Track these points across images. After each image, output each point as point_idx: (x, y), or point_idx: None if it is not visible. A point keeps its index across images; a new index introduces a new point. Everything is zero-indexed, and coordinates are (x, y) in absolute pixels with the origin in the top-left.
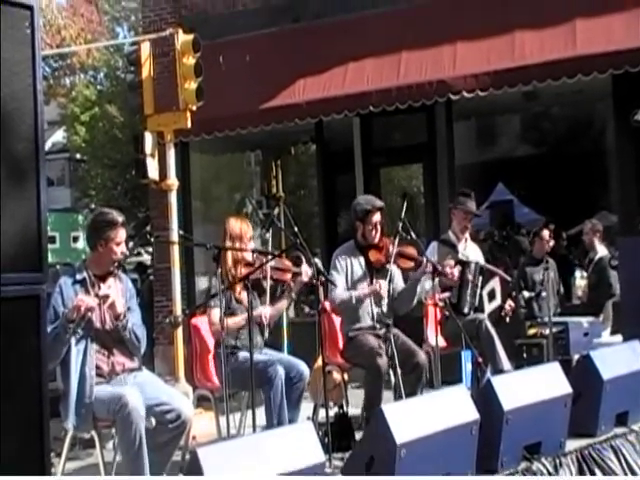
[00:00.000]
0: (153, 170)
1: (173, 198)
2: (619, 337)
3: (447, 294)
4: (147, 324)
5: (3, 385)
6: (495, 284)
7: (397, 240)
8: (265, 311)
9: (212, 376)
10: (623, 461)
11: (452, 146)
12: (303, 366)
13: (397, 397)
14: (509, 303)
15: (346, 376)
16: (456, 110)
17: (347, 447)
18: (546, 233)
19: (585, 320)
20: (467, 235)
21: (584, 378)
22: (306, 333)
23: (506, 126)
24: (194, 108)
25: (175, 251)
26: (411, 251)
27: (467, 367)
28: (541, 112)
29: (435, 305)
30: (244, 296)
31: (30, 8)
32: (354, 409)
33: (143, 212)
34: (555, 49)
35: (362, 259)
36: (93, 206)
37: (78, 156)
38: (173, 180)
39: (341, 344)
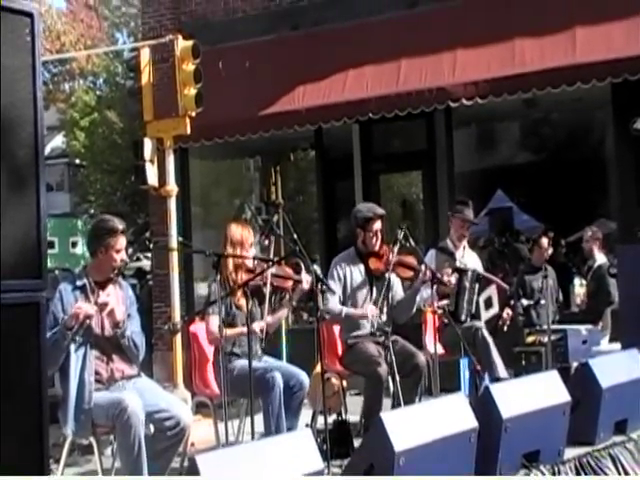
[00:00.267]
0: (152, 176)
1: (172, 204)
2: (618, 345)
3: (446, 302)
4: (146, 330)
5: (3, 390)
6: (492, 292)
7: (397, 248)
8: (262, 325)
9: (211, 383)
10: (621, 469)
11: (451, 153)
12: (303, 375)
13: (396, 405)
14: (507, 312)
15: (345, 383)
16: (455, 117)
17: (346, 454)
18: (545, 241)
19: (584, 328)
20: (465, 243)
21: (583, 386)
22: (305, 340)
23: (505, 133)
24: (193, 114)
25: (174, 257)
26: (410, 260)
27: (466, 375)
28: (541, 119)
29: (434, 312)
30: (244, 302)
31: (30, 15)
32: (353, 416)
33: (142, 218)
34: (555, 57)
35: (362, 267)
36: (92, 211)
37: (77, 161)
38: (172, 186)
39: (340, 351)
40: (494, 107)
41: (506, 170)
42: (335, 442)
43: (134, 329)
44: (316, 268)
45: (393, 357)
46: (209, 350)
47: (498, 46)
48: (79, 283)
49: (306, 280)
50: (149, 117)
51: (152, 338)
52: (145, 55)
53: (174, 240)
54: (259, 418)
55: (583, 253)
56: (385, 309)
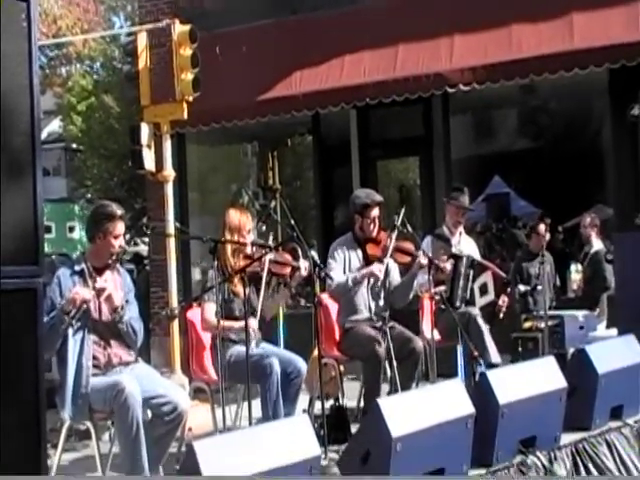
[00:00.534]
0: (149, 161)
1: (169, 189)
2: (614, 330)
3: (442, 287)
4: (143, 315)
5: (0, 376)
6: (487, 278)
7: (394, 234)
8: (253, 325)
9: (208, 369)
10: (616, 455)
11: (449, 139)
12: (301, 362)
13: (393, 390)
14: (503, 299)
15: (342, 368)
16: (453, 103)
17: (343, 439)
18: (542, 227)
19: (580, 314)
20: (461, 229)
21: (579, 372)
22: (302, 325)
23: (503, 120)
24: (191, 99)
25: (171, 243)
26: (408, 246)
27: (462, 361)
28: (538, 106)
29: (431, 298)
30: (241, 289)
31: (27, 0)
32: (350, 401)
33: (139, 203)
34: (552, 42)
35: (360, 252)
36: (89, 196)
37: (74, 146)
38: (169, 171)
39: (337, 336)
40: (492, 93)
41: (504, 156)
42: (332, 427)
43: (132, 315)
44: (314, 254)
45: (390, 342)
46: (206, 336)
47: (495, 31)
48: (77, 268)
49: (304, 267)
50: (146, 102)
51: (149, 323)
52: (142, 40)
53: (171, 226)
54: (257, 403)
55: (580, 239)
56: (382, 294)
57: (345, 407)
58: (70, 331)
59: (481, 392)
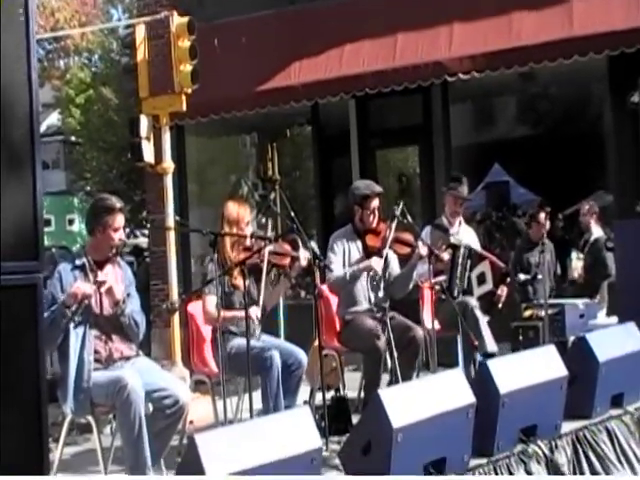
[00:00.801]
0: (148, 153)
1: (169, 181)
2: (614, 318)
3: (442, 277)
4: (144, 307)
5: (1, 373)
6: (485, 268)
7: (394, 225)
8: (256, 313)
9: (209, 362)
10: (617, 444)
11: (448, 128)
12: (302, 354)
13: (394, 381)
14: (502, 289)
15: (342, 359)
16: (452, 91)
17: (344, 430)
18: (542, 216)
19: (581, 302)
20: (460, 219)
21: (580, 360)
22: (302, 316)
23: (503, 107)
24: (189, 91)
25: (171, 235)
26: (407, 237)
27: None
28: (538, 93)
29: (431, 288)
30: (240, 282)
31: None
32: (351, 392)
33: (139, 195)
34: (552, 30)
35: (359, 243)
36: (88, 189)
37: (73, 139)
38: (169, 163)
39: (338, 328)
40: (491, 81)
41: (503, 144)
42: (333, 418)
43: (134, 308)
44: (313, 245)
45: (391, 333)
46: (207, 329)
47: (495, 20)
48: (78, 262)
49: (304, 257)
50: (145, 94)
51: (150, 315)
52: (140, 32)
53: (171, 219)
54: (257, 395)
55: (580, 226)
56: (382, 285)
57: (346, 398)
58: (71, 325)
59: (482, 381)
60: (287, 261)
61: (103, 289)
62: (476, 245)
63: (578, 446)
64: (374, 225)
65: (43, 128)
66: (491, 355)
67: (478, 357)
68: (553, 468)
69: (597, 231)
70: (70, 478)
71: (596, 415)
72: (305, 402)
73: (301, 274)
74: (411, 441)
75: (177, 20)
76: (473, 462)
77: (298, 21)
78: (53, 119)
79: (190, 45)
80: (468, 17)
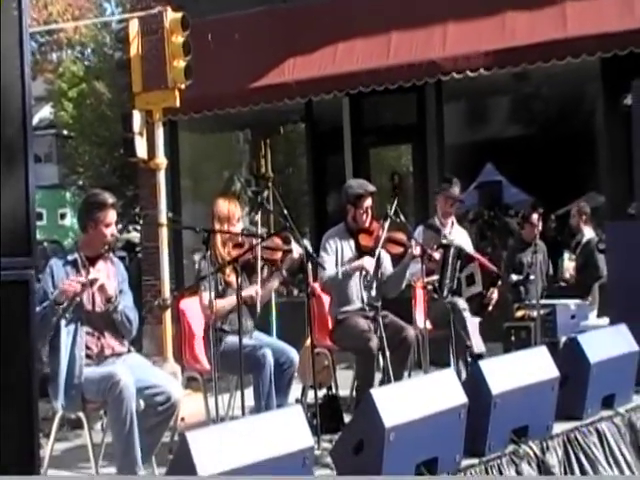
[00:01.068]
0: (141, 149)
1: (162, 177)
2: (606, 320)
3: (435, 277)
4: (136, 303)
5: None
6: (474, 269)
7: (387, 224)
8: (257, 289)
9: (201, 359)
10: (606, 446)
11: (442, 126)
12: (293, 353)
13: (386, 380)
14: (492, 291)
15: (334, 357)
16: (446, 90)
17: (336, 429)
18: (535, 217)
19: (572, 302)
20: (452, 219)
21: (571, 361)
22: (295, 313)
23: (496, 107)
24: (183, 87)
25: (163, 231)
26: (400, 236)
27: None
28: (531, 93)
29: (424, 288)
30: (233, 279)
31: None
32: (342, 390)
33: (131, 190)
34: (545, 31)
35: (352, 242)
36: (81, 183)
37: (65, 132)
38: (162, 159)
39: (330, 326)
40: (484, 81)
41: (496, 143)
42: (325, 417)
43: (127, 304)
44: (306, 243)
45: (383, 332)
46: (199, 326)
47: (489, 19)
48: (70, 258)
49: (296, 249)
50: (138, 89)
51: (142, 311)
52: (134, 27)
53: (163, 215)
54: (249, 392)
55: (571, 228)
56: (374, 285)
57: (338, 396)
58: (63, 322)
59: (474, 382)
60: (279, 255)
61: (95, 287)
62: (468, 246)
63: (569, 447)
64: (367, 224)
65: (35, 121)
66: (479, 356)
67: (468, 357)
68: (544, 469)
69: (589, 232)
70: (61, 475)
71: (587, 416)
72: (297, 400)
73: (294, 271)
74: (403, 441)
75: (171, 15)
76: (465, 462)
77: (292, 18)
78: (45, 112)
79: (184, 41)
80: (462, 17)
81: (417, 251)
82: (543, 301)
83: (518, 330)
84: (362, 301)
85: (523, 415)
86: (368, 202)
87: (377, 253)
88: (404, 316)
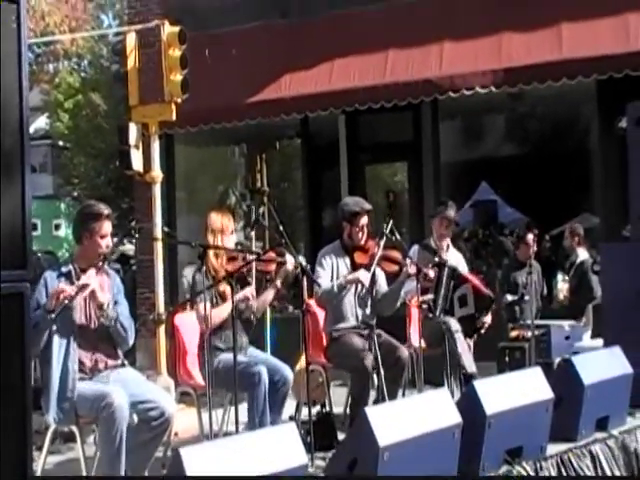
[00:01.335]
0: (137, 162)
1: (157, 190)
2: (600, 341)
3: (430, 296)
4: (132, 316)
5: None
6: (467, 291)
7: (382, 242)
8: (251, 291)
9: (195, 375)
10: (599, 468)
11: (437, 144)
12: (287, 371)
13: (380, 399)
14: (485, 315)
15: (329, 374)
16: (442, 109)
17: (329, 446)
18: (530, 237)
19: (567, 323)
20: (448, 242)
21: (565, 383)
22: (290, 329)
23: (491, 126)
24: (179, 100)
25: (158, 244)
26: (395, 254)
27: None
28: (527, 113)
29: (419, 307)
30: (228, 293)
31: (17, 2)
32: (336, 407)
33: (127, 203)
34: (541, 52)
35: (348, 260)
36: (76, 194)
37: (61, 143)
38: (157, 172)
39: (325, 343)
40: (480, 100)
41: (491, 162)
42: (319, 434)
43: (123, 313)
44: (302, 260)
45: (378, 350)
46: (193, 343)
47: (485, 39)
48: (64, 270)
49: (290, 261)
50: (134, 102)
51: (136, 324)
52: (131, 40)
53: (159, 230)
54: (243, 407)
55: (565, 248)
56: (369, 302)
57: (332, 413)
58: (55, 335)
59: (468, 402)
60: (273, 267)
61: (86, 292)
62: (462, 268)
63: (562, 469)
64: (363, 242)
65: (31, 131)
66: (471, 376)
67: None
68: None
69: (583, 253)
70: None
71: (581, 438)
72: (291, 417)
73: (289, 285)
74: (397, 460)
75: (168, 29)
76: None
77: (289, 34)
78: (41, 123)
79: (181, 54)
80: (459, 36)
81: (412, 270)
82: (537, 322)
83: (512, 350)
84: (357, 319)
85: (517, 436)
86: (364, 220)
87: (372, 270)
88: (398, 334)
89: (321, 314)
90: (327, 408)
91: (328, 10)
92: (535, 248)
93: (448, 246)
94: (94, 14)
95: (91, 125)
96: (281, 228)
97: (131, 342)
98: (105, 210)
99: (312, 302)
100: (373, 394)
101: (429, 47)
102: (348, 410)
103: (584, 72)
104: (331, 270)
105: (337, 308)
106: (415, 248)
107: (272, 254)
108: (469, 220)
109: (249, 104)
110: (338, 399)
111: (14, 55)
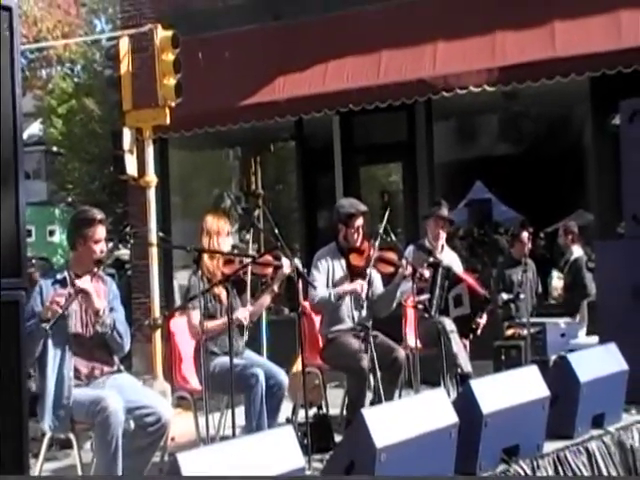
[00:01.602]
0: (131, 166)
1: (152, 195)
2: (595, 338)
3: (425, 296)
4: (126, 321)
5: None
6: (462, 291)
7: (377, 243)
8: (245, 314)
9: (190, 380)
10: (595, 468)
11: (432, 144)
12: (283, 375)
13: (377, 401)
14: (480, 316)
15: (325, 376)
16: (436, 109)
17: (326, 448)
18: (525, 235)
19: (562, 321)
20: (443, 242)
21: (561, 380)
22: (285, 332)
23: (485, 125)
24: (173, 104)
25: (153, 249)
26: (391, 256)
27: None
28: (520, 112)
29: (415, 307)
30: (224, 296)
31: (9, 9)
32: (333, 409)
33: (121, 207)
34: (534, 50)
35: (343, 262)
36: (70, 200)
37: (55, 149)
38: (152, 177)
39: (321, 345)
40: (474, 99)
41: (486, 161)
42: (316, 436)
43: (119, 318)
44: (297, 262)
45: (374, 352)
46: (188, 347)
47: (479, 39)
48: (59, 277)
49: (287, 265)
50: (128, 107)
51: (131, 329)
52: (124, 44)
53: (153, 235)
54: (240, 411)
55: (559, 246)
56: (365, 304)
57: (328, 415)
58: (50, 342)
59: (464, 401)
60: (269, 270)
61: (80, 297)
62: (457, 268)
63: (559, 467)
64: (358, 244)
65: (24, 137)
66: (466, 376)
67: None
68: None
69: (577, 251)
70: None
71: (577, 435)
72: (287, 420)
73: (285, 289)
74: (394, 461)
75: (161, 33)
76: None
77: (283, 36)
78: (34, 129)
79: (174, 58)
80: (452, 36)
81: (408, 271)
82: (533, 319)
83: (508, 349)
84: (353, 320)
85: (514, 434)
86: (359, 222)
87: (368, 273)
88: (394, 335)
89: (317, 316)
90: (324, 410)
91: (321, 12)
92: (530, 246)
93: (443, 246)
94: (87, 19)
95: (85, 130)
96: (276, 231)
97: (127, 348)
98: (98, 215)
99: (307, 304)
100: (370, 395)
101: (422, 47)
102: (345, 412)
103: (577, 70)
104: (327, 273)
105: (333, 310)
106: (410, 248)
107: (269, 257)
108: (464, 219)
109: (243, 107)
110: (334, 401)
111: (7, 62)
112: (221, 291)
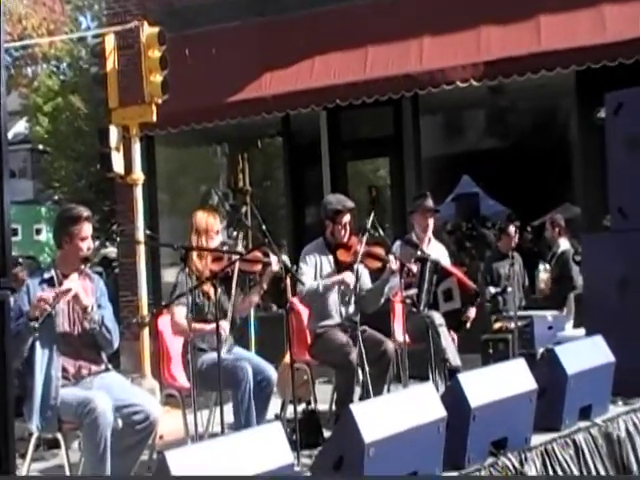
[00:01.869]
0: (118, 164)
1: (139, 192)
2: (582, 330)
3: (413, 291)
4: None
5: None
6: (452, 284)
7: (365, 238)
8: (224, 325)
9: (178, 377)
10: (582, 461)
11: (419, 139)
12: (271, 371)
13: (365, 395)
14: (470, 311)
15: (313, 371)
16: (423, 103)
17: (315, 444)
18: (512, 229)
19: (549, 314)
20: (430, 235)
21: (549, 373)
22: (274, 328)
23: (472, 120)
24: (159, 101)
25: (141, 246)
26: (379, 251)
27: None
28: (507, 106)
29: (403, 302)
30: (212, 292)
31: None
32: (322, 405)
33: (108, 205)
34: (519, 45)
35: (331, 257)
36: (56, 198)
37: (41, 147)
38: (139, 174)
39: (309, 341)
40: (460, 94)
41: (473, 155)
42: (305, 432)
43: (107, 316)
44: (285, 259)
45: (362, 347)
46: (176, 345)
47: (464, 33)
48: (46, 276)
49: (275, 261)
50: (114, 104)
51: (120, 327)
52: (110, 41)
53: (141, 232)
54: (228, 408)
55: (546, 239)
56: (353, 299)
57: (317, 411)
58: (38, 342)
59: (452, 395)
60: (258, 268)
61: (69, 295)
62: (445, 261)
63: (547, 459)
64: (345, 239)
65: (10, 136)
66: (455, 370)
67: (446, 371)
68: None
69: (564, 244)
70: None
71: (565, 427)
72: (276, 416)
73: (273, 285)
74: (383, 456)
75: (147, 30)
76: (445, 476)
77: (269, 32)
78: (20, 127)
79: (160, 55)
80: (438, 31)
81: (396, 266)
82: (520, 313)
83: (496, 342)
84: (341, 316)
85: (502, 427)
86: (347, 218)
87: (356, 268)
88: (383, 330)
89: (305, 312)
90: (312, 406)
91: (306, 7)
92: (517, 239)
93: (430, 240)
94: (72, 16)
95: (71, 128)
96: (264, 227)
97: (116, 345)
98: (84, 212)
99: (296, 300)
100: (358, 391)
101: (408, 42)
102: (334, 407)
103: (562, 63)
104: (314, 268)
105: (321, 306)
106: (397, 243)
107: (257, 254)
108: (451, 213)
109: (230, 103)
110: (323, 396)
111: None
112: (210, 288)
